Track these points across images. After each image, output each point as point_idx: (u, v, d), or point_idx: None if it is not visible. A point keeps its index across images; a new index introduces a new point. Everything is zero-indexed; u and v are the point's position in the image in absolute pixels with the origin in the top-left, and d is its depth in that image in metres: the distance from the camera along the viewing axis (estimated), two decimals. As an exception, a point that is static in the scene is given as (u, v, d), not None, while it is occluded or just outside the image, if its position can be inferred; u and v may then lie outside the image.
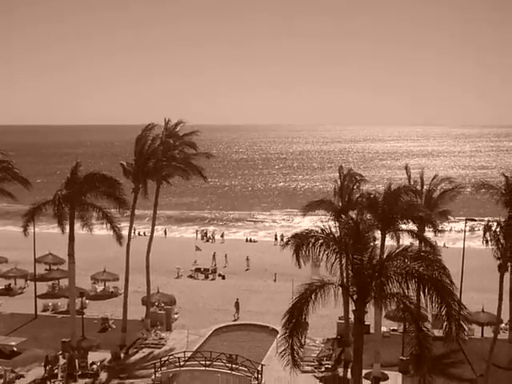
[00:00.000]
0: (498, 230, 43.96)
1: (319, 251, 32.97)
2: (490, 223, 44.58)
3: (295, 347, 30.19)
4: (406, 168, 53.40)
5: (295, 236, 33.76)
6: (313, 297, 30.61)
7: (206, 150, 61.16)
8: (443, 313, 29.03)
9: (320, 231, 33.17)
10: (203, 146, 62.02)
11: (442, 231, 49.84)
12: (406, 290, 30.18)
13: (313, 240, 32.57)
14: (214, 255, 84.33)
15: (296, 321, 30.40)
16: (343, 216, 47.25)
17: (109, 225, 47.47)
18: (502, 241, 43.86)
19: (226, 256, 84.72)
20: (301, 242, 32.96)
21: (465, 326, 29.63)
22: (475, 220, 56.35)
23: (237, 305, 59.98)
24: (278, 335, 52.41)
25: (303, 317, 30.39)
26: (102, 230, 49.17)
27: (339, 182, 50.12)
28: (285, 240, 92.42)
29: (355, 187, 49.61)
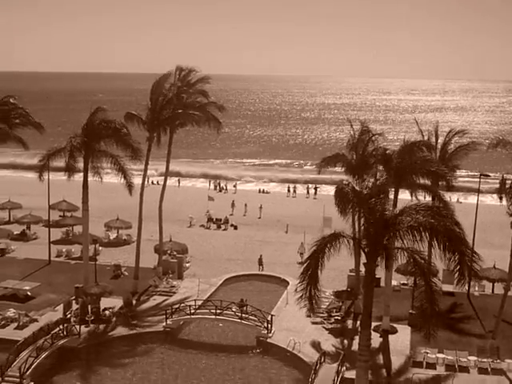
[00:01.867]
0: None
1: (346, 203, 33.51)
2: (505, 179, 44.43)
3: (312, 294, 31.08)
4: (416, 122, 52.98)
5: (338, 186, 34.49)
6: (326, 249, 30.91)
7: (217, 100, 60.47)
8: (456, 261, 29.20)
9: (347, 185, 33.71)
10: (214, 96, 61.54)
11: (454, 187, 49.58)
12: (417, 244, 30.32)
13: (344, 192, 33.30)
14: (233, 203, 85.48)
15: (312, 271, 31.08)
16: (358, 170, 47.35)
17: (121, 173, 47.59)
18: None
19: (245, 205, 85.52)
20: (340, 193, 33.66)
21: (477, 271, 29.83)
22: (489, 176, 56.03)
23: (260, 261, 59.30)
24: (289, 286, 53.00)
25: (319, 267, 31.00)
26: (115, 178, 49.26)
27: (353, 137, 49.73)
28: (314, 189, 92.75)
29: (369, 142, 49.19)
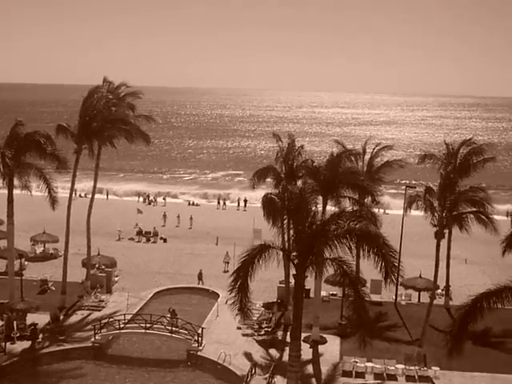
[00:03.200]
0: (431, 197, 45.09)
1: (275, 212, 33.98)
2: (424, 190, 45.82)
3: (242, 305, 31.52)
4: (338, 142, 54.16)
5: (265, 196, 34.99)
6: (256, 260, 31.15)
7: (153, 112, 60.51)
8: (381, 260, 29.91)
9: (274, 194, 34.18)
10: (146, 108, 61.49)
11: (379, 202, 50.76)
12: (345, 254, 30.89)
13: (272, 201, 33.81)
14: (164, 214, 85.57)
15: (242, 282, 31.39)
16: (286, 182, 47.84)
17: (45, 187, 46.84)
18: (437, 208, 44.95)
19: (178, 216, 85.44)
20: (267, 202, 34.16)
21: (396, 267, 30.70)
22: (415, 187, 57.31)
23: (200, 275, 58.70)
24: (219, 298, 53.00)
25: (248, 278, 31.35)
26: (41, 191, 48.39)
27: (282, 149, 50.30)
28: (243, 202, 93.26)
29: (297, 154, 49.84)
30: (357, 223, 30.99)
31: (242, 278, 31.39)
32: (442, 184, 46.04)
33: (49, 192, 47.23)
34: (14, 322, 45.32)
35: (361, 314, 30.26)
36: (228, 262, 62.93)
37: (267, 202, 35.02)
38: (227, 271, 62.08)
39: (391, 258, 30.20)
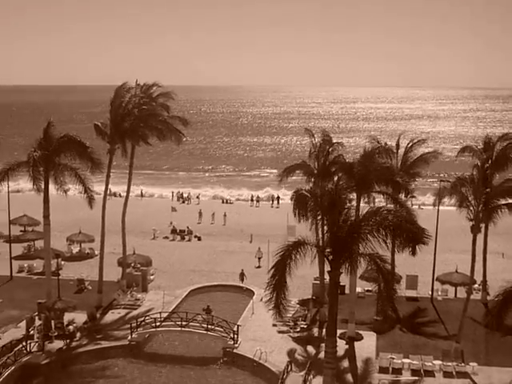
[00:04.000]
0: (467, 190, 44.55)
1: (306, 209, 33.95)
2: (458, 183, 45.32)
3: (279, 301, 31.66)
4: (372, 138, 53.58)
5: (295, 193, 35.00)
6: (292, 256, 31.20)
7: (185, 111, 60.81)
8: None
9: (307, 190, 34.14)
10: (188, 108, 61.90)
11: (414, 196, 50.39)
12: (380, 247, 30.76)
13: (303, 198, 33.82)
14: (200, 212, 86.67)
15: (279, 278, 31.48)
16: (320, 179, 47.74)
17: (81, 187, 47.19)
18: (472, 202, 44.39)
19: (213, 214, 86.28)
20: (298, 199, 34.19)
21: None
22: (449, 182, 56.70)
23: (242, 275, 58.09)
24: (254, 296, 53.02)
25: (285, 274, 31.40)
26: (77, 191, 48.81)
27: (315, 145, 50.15)
28: (276, 199, 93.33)
29: (331, 150, 49.65)
30: (392, 217, 30.86)
31: (278, 275, 31.46)
32: (478, 177, 45.46)
33: (85, 191, 47.57)
34: (52, 322, 45.80)
35: (394, 309, 30.22)
36: (260, 258, 63.86)
37: (298, 198, 34.86)
38: (260, 267, 62.88)
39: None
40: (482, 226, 47.09)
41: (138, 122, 52.65)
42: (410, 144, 53.77)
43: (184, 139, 58.59)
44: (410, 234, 30.50)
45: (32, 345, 42.41)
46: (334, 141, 51.64)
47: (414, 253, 31.65)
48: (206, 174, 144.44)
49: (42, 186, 46.72)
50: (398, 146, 53.31)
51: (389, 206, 43.41)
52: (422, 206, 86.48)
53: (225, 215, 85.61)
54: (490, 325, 28.22)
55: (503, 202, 46.05)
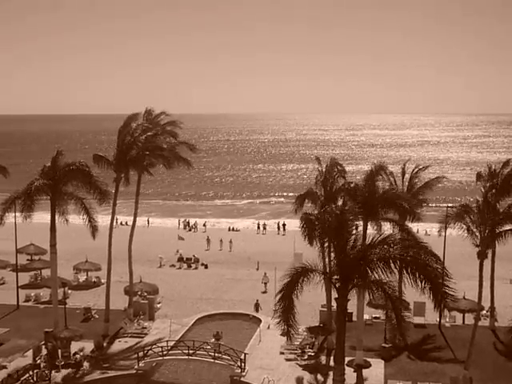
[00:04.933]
0: (472, 216, 44.57)
1: (313, 234, 34.00)
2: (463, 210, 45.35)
3: (288, 325, 32.09)
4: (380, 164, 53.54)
5: (303, 218, 35.08)
6: (300, 281, 31.32)
7: (192, 139, 61.30)
8: (428, 288, 29.39)
9: (313, 215, 34.17)
10: (193, 137, 62.29)
11: (421, 220, 50.33)
12: (388, 276, 30.57)
13: (311, 222, 33.94)
14: (208, 239, 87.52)
15: (286, 302, 31.62)
16: (326, 206, 47.72)
17: (86, 216, 47.29)
18: (478, 228, 44.37)
19: (221, 241, 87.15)
20: (306, 223, 34.29)
21: (450, 294, 29.88)
22: (455, 207, 56.72)
23: (256, 306, 57.63)
24: (261, 323, 52.84)
25: (293, 299, 31.56)
26: (82, 221, 48.91)
27: (321, 173, 50.23)
28: (283, 226, 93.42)
29: (337, 177, 49.75)
30: (401, 248, 30.63)
31: (286, 299, 31.52)
32: (483, 203, 45.48)
33: (89, 221, 47.71)
34: (59, 351, 45.70)
35: (403, 336, 29.93)
36: (267, 283, 64.64)
37: (306, 221, 34.99)
38: (266, 292, 63.23)
39: (441, 285, 29.68)
40: (489, 251, 46.99)
41: (144, 151, 52.91)
42: (415, 170, 53.93)
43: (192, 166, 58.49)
44: (415, 265, 30.11)
45: (39, 374, 42.23)
46: (340, 168, 51.70)
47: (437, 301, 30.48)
48: (213, 202, 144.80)
49: (49, 215, 46.95)
50: (403, 171, 53.42)
51: (396, 233, 43.35)
52: (428, 232, 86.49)
53: (230, 241, 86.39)
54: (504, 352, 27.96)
55: (509, 227, 46.01)
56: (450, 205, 57.44)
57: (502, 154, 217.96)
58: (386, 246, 30.93)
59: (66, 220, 47.91)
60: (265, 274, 65.72)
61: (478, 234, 44.46)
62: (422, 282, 29.63)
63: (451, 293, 29.90)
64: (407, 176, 53.52)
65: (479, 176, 53.54)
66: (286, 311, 31.58)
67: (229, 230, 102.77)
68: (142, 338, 51.03)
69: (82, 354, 46.13)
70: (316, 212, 46.72)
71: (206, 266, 76.27)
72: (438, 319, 53.50)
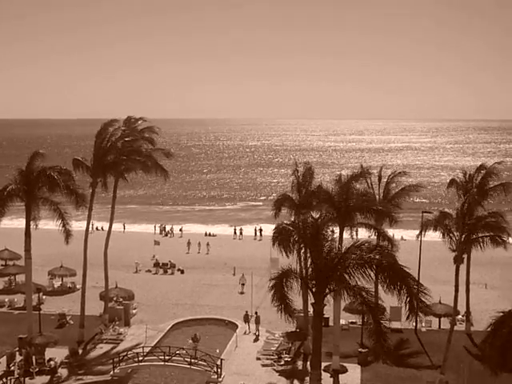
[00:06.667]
0: (449, 222, 44.87)
1: (288, 242, 34.07)
2: (441, 215, 45.67)
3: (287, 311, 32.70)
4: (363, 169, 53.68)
5: (277, 227, 35.09)
6: (284, 283, 32.04)
7: (173, 145, 61.26)
8: (404, 293, 29.57)
9: (288, 223, 34.30)
10: (171, 141, 62.18)
11: (397, 222, 50.53)
12: (364, 282, 30.69)
13: (285, 231, 34.01)
14: (188, 242, 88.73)
15: (280, 298, 32.46)
16: (302, 211, 47.74)
17: (60, 221, 46.96)
18: (455, 233, 44.67)
19: (199, 244, 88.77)
20: (280, 233, 34.33)
21: (426, 301, 30.23)
22: (431, 212, 57.02)
23: (246, 317, 54.47)
24: (238, 329, 52.73)
25: (286, 294, 32.37)
26: (57, 226, 48.53)
27: (297, 177, 50.27)
28: (259, 231, 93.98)
29: (310, 181, 49.80)
30: (377, 254, 30.77)
31: (279, 293, 32.35)
32: (460, 209, 45.76)
33: (63, 226, 47.37)
34: (33, 357, 45.23)
35: (381, 341, 29.96)
36: (244, 284, 65.77)
37: (279, 232, 34.97)
38: (243, 293, 64.22)
39: (415, 290, 29.94)
40: (465, 256, 47.31)
41: (121, 156, 52.67)
42: (391, 175, 54.15)
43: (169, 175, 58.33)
44: (391, 271, 30.36)
45: (12, 381, 41.78)
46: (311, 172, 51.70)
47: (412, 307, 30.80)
48: (190, 208, 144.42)
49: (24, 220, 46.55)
50: (380, 177, 53.62)
51: (372, 238, 43.51)
52: (404, 237, 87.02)
53: (208, 244, 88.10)
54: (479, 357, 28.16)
55: (486, 233, 46.33)
56: (425, 210, 57.69)
57: (482, 160, 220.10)
58: (361, 251, 31.06)
59: (36, 225, 47.51)
60: (242, 274, 66.72)
61: (454, 238, 44.73)
62: (397, 288, 29.80)
63: (426, 299, 30.14)
64: (384, 181, 53.69)
65: (452, 182, 53.98)
66: (282, 301, 32.38)
67: (205, 235, 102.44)
68: (118, 343, 50.70)
69: (56, 360, 45.64)
70: (292, 217, 46.84)
71: (183, 272, 75.99)
72: (414, 324, 53.67)
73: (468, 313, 53.79)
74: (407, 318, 30.52)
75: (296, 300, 40.07)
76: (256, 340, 51.39)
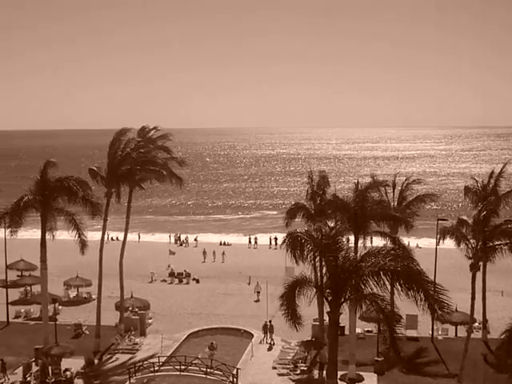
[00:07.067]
0: (466, 230, 44.65)
1: (302, 251, 34.00)
2: (462, 220, 45.41)
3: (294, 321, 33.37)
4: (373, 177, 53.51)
5: (288, 235, 34.95)
6: (297, 289, 31.96)
7: (180, 154, 61.36)
8: (422, 297, 29.40)
9: (303, 232, 34.22)
10: (177, 151, 62.25)
11: (413, 227, 50.35)
12: (380, 289, 30.55)
13: (298, 240, 33.94)
14: (204, 251, 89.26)
15: (289, 307, 32.80)
16: (317, 219, 47.65)
17: (75, 231, 46.99)
18: (471, 240, 44.44)
19: (214, 252, 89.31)
20: (293, 241, 34.23)
21: (444, 302, 29.93)
22: (447, 220, 56.81)
23: (265, 328, 53.61)
24: (253, 338, 52.63)
25: (295, 304, 32.58)
26: (73, 236, 48.60)
27: (311, 186, 50.22)
28: (274, 240, 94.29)
29: (326, 190, 49.73)
30: (392, 260, 30.63)
31: (288, 301, 32.54)
32: (477, 216, 45.49)
33: (79, 236, 47.44)
34: (49, 368, 45.31)
35: (395, 349, 29.82)
36: (259, 292, 65.99)
37: (292, 240, 34.85)
38: (258, 300, 64.53)
39: (434, 293, 29.75)
40: (481, 264, 47.03)
41: (136, 165, 52.80)
42: (406, 183, 53.96)
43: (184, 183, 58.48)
44: (407, 277, 30.19)
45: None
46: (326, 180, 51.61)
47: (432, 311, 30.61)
48: (204, 217, 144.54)
49: (39, 231, 46.70)
50: (394, 184, 53.47)
51: (388, 246, 43.33)
52: (419, 245, 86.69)
53: (223, 253, 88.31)
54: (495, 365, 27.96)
55: (502, 241, 46.05)
56: (441, 217, 57.48)
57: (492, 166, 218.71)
58: (377, 259, 30.93)
59: (53, 236, 47.62)
60: (257, 283, 66.93)
61: (470, 246, 44.50)
62: (414, 293, 29.64)
63: (445, 303, 29.91)
64: (398, 188, 53.52)
65: (467, 189, 53.72)
66: (290, 309, 32.70)
67: (220, 244, 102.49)
68: (134, 353, 50.71)
69: (72, 370, 45.70)
70: (306, 226, 46.73)
71: (198, 281, 76.01)
72: (431, 332, 53.40)
73: (485, 320, 53.44)
74: (432, 318, 30.29)
75: (311, 309, 40.14)
76: (270, 349, 51.34)
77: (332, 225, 39.36)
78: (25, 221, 46.51)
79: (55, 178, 46.97)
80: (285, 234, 36.47)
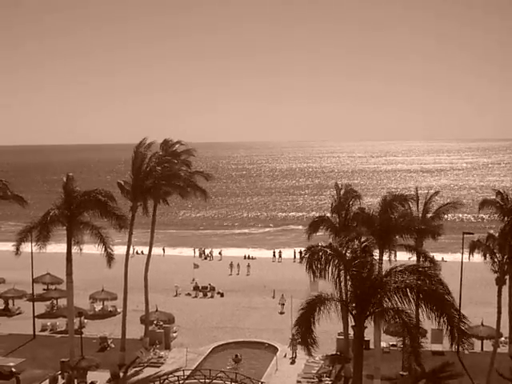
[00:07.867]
0: (492, 244, 44.35)
1: (325, 265, 33.69)
2: (484, 236, 45.14)
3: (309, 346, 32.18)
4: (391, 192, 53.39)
5: (308, 249, 34.58)
6: (316, 310, 31.31)
7: (202, 169, 61.66)
8: (444, 323, 29.15)
9: (326, 246, 33.95)
10: (198, 165, 62.61)
11: (440, 234, 50.03)
12: (404, 305, 30.36)
13: (320, 254, 33.53)
14: (231, 264, 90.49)
15: (304, 331, 31.96)
16: (342, 233, 47.59)
17: (102, 245, 47.20)
18: (497, 254, 44.14)
19: (238, 265, 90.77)
20: (313, 255, 33.80)
21: (466, 332, 29.72)
22: (473, 234, 56.45)
23: (293, 341, 51.82)
24: (278, 352, 52.57)
25: (311, 328, 31.68)
26: (98, 249, 48.89)
27: (336, 200, 50.18)
28: (299, 254, 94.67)
29: (351, 203, 49.65)
30: (418, 278, 30.41)
31: (304, 327, 31.73)
32: (504, 230, 45.15)
33: (105, 249, 47.69)
34: (75, 381, 45.60)
35: (420, 364, 29.62)
36: (283, 304, 66.45)
37: (311, 255, 34.59)
38: (283, 312, 64.74)
39: (455, 319, 29.51)
40: (507, 277, 46.65)
41: (160, 180, 53.12)
42: (430, 196, 53.68)
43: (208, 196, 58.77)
44: (433, 299, 29.92)
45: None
46: (355, 194, 51.57)
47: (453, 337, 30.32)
48: (229, 231, 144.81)
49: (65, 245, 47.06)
50: (417, 197, 53.21)
51: (412, 260, 43.14)
52: (444, 259, 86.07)
53: (248, 266, 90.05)
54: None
55: None
56: (466, 231, 57.12)
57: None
58: (403, 275, 30.77)
59: (80, 250, 47.88)
60: (282, 295, 67.48)
61: (496, 260, 44.22)
62: (437, 315, 29.46)
63: (467, 334, 29.67)
64: (422, 201, 53.25)
65: (490, 203, 53.11)
66: (305, 335, 31.87)
67: (244, 257, 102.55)
68: (159, 367, 50.90)
69: (98, 383, 45.98)
70: (330, 240, 46.64)
71: (222, 295, 76.14)
72: (457, 347, 52.95)
73: (511, 335, 52.88)
74: (451, 345, 30.09)
75: (335, 323, 40.03)
76: (293, 362, 51.24)
77: (361, 239, 39.31)
78: (52, 235, 46.89)
79: (82, 192, 47.34)
80: (304, 248, 36.33)
